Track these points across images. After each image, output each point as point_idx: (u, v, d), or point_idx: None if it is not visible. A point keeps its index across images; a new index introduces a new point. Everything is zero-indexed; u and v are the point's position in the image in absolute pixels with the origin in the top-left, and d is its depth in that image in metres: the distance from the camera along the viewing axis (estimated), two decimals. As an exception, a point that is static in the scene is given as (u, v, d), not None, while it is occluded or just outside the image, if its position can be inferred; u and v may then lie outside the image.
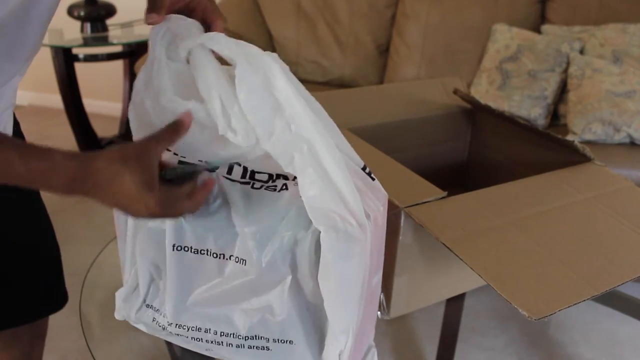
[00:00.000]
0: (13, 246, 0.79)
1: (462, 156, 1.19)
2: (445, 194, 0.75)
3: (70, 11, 2.39)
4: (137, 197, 0.53)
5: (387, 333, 1.66)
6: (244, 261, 0.61)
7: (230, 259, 0.62)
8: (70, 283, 0.95)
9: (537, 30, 2.12)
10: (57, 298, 0.89)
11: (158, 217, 0.57)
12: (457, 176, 1.19)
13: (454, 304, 1.38)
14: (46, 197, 0.85)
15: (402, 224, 0.72)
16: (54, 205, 0.89)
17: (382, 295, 0.78)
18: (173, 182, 0.57)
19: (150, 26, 0.67)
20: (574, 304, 0.60)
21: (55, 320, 0.95)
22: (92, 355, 0.77)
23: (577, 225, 0.74)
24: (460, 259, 0.64)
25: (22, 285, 0.82)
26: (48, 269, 0.87)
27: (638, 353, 1.60)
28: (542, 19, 2.16)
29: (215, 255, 0.62)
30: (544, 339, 1.65)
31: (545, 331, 1.68)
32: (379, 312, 0.80)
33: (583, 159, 0.90)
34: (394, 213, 0.72)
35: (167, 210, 0.56)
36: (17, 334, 0.85)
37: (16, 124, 0.78)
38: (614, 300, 1.35)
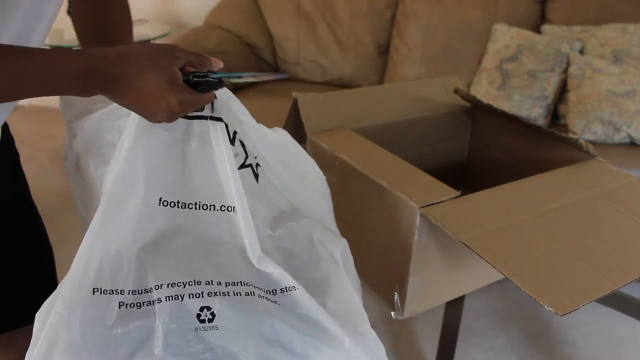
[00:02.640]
0: (9, 249, 0.79)
1: (461, 155, 1.19)
2: (458, 193, 0.76)
3: (71, 11, 2.39)
4: (159, 93, 0.55)
5: (387, 333, 1.66)
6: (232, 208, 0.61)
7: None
8: (70, 283, 0.95)
9: (537, 30, 2.12)
10: None
11: (174, 118, 0.58)
12: (456, 175, 1.19)
13: (454, 304, 1.38)
14: (45, 197, 0.85)
15: (417, 224, 0.72)
16: (53, 205, 0.89)
17: (396, 296, 0.79)
18: (196, 87, 0.58)
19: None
20: (596, 299, 0.61)
21: (55, 320, 0.95)
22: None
23: (588, 221, 0.75)
24: (482, 258, 0.65)
25: (18, 288, 0.81)
26: (44, 270, 0.87)
27: (638, 353, 1.60)
28: (542, 19, 2.17)
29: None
30: (544, 339, 1.65)
31: (545, 331, 1.68)
32: (392, 312, 0.80)
33: (585, 155, 0.90)
34: (409, 213, 0.73)
35: (184, 110, 0.58)
36: (15, 336, 0.84)
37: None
38: (614, 300, 1.35)
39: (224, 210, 0.60)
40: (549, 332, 1.68)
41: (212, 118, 0.62)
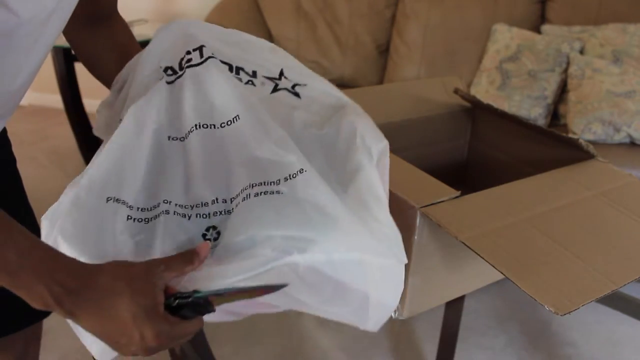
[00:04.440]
0: None
1: (461, 155, 1.19)
2: (458, 193, 0.76)
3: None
4: (133, 324, 0.46)
5: (387, 333, 1.66)
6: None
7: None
8: (70, 283, 0.94)
9: (537, 30, 2.12)
10: None
11: (150, 352, 0.49)
12: (456, 175, 1.19)
13: (454, 305, 1.38)
14: (44, 198, 0.85)
15: (417, 224, 0.72)
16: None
17: None
18: (180, 312, 0.50)
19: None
20: (596, 299, 0.61)
21: (55, 320, 0.95)
22: (92, 355, 0.77)
23: (589, 221, 0.75)
24: (482, 258, 0.65)
25: (12, 292, 0.80)
26: None
27: (638, 353, 1.60)
28: (542, 19, 2.17)
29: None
30: (544, 339, 1.65)
31: (545, 331, 1.68)
32: (393, 313, 0.80)
33: (585, 155, 0.90)
34: (409, 213, 0.73)
35: (163, 345, 0.48)
36: (11, 339, 0.84)
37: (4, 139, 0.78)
38: (614, 300, 1.35)
39: (232, 122, 0.62)
40: (549, 332, 1.68)
41: (200, 63, 0.63)
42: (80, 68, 2.47)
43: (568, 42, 1.96)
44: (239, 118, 0.62)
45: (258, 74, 0.65)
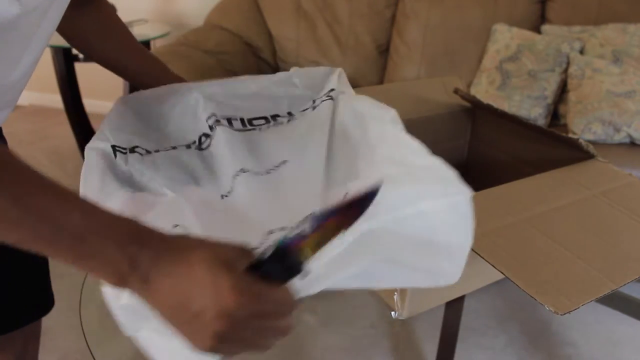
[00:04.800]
0: (2, 252, 0.78)
1: (461, 155, 1.19)
2: None
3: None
4: (208, 276, 0.40)
5: (387, 333, 1.66)
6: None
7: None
8: (70, 283, 0.95)
9: (537, 30, 2.12)
10: (46, 300, 0.87)
11: (226, 322, 0.41)
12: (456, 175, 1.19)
13: (454, 305, 1.38)
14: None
15: None
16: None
17: (396, 296, 0.79)
18: (262, 269, 0.43)
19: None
20: (596, 299, 0.61)
21: (55, 320, 0.95)
22: (92, 355, 0.77)
23: (589, 221, 0.75)
24: (482, 258, 0.65)
25: (13, 290, 0.80)
26: (38, 272, 0.86)
27: (638, 353, 1.60)
28: (542, 19, 2.17)
29: None
30: (544, 339, 1.65)
31: (545, 331, 1.68)
32: (393, 312, 0.80)
33: (585, 155, 0.90)
34: None
35: (244, 305, 0.41)
36: (10, 337, 0.84)
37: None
38: (614, 300, 1.35)
39: (279, 166, 0.71)
40: (549, 332, 1.68)
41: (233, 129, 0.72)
42: (80, 68, 2.47)
43: (568, 42, 1.96)
44: (285, 162, 0.71)
45: (297, 115, 0.76)
